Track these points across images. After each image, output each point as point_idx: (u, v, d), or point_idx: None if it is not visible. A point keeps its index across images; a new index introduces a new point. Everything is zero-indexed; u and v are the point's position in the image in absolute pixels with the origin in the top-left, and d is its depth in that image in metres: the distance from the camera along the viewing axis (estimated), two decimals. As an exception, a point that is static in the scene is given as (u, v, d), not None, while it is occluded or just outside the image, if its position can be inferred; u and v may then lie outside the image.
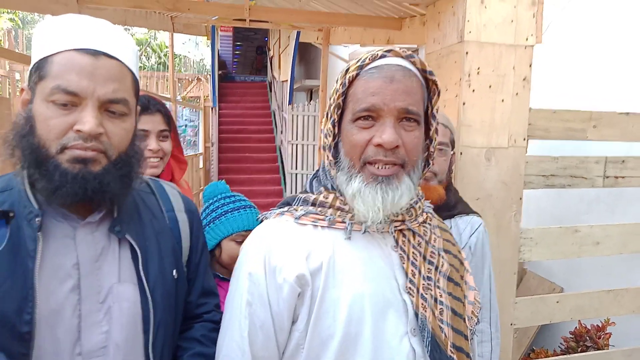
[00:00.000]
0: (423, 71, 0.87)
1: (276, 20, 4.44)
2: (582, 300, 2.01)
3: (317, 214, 0.88)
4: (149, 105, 1.41)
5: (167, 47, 12.96)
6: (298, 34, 6.89)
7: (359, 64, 0.86)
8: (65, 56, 0.77)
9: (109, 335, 0.82)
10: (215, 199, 1.44)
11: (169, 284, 0.90)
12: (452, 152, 1.48)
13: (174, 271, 0.92)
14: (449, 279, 0.92)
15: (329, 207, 0.88)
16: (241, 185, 8.13)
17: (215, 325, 0.97)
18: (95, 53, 0.78)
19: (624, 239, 2.02)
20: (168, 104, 6.79)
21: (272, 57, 11.05)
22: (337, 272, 0.83)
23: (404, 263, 0.87)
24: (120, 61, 0.81)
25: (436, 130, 0.92)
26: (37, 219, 0.78)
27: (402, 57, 0.86)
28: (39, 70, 0.79)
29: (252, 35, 13.90)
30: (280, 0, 5.31)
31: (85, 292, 0.81)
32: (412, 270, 0.86)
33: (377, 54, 0.86)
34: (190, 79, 12.47)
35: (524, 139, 1.84)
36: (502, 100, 1.80)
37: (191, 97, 11.92)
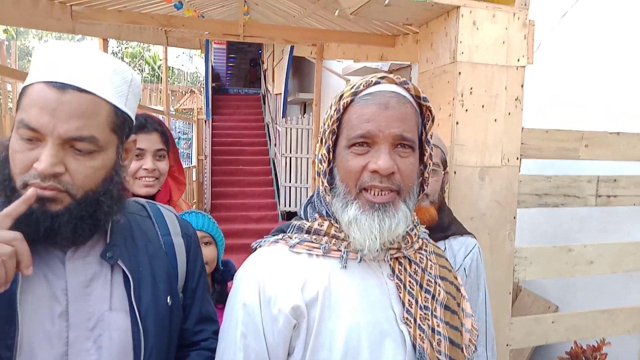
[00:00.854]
0: (417, 97, 0.88)
1: (270, 37, 4.46)
2: (577, 320, 2.01)
3: (311, 242, 0.87)
4: (146, 124, 1.41)
5: (160, 59, 12.98)
6: (292, 48, 6.94)
7: (353, 90, 0.86)
8: (35, 89, 0.75)
9: None
10: None
11: (162, 311, 0.88)
12: (443, 172, 1.48)
13: (168, 298, 0.90)
14: (446, 307, 0.91)
15: (324, 235, 0.87)
16: (235, 198, 8.10)
17: (212, 354, 0.95)
18: (62, 87, 0.74)
19: (617, 257, 2.03)
20: (161, 117, 6.77)
21: (265, 70, 11.10)
22: (332, 302, 0.82)
23: (400, 292, 0.86)
24: (93, 94, 0.77)
25: (430, 156, 0.92)
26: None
27: (396, 83, 0.86)
28: (19, 99, 0.78)
29: (245, 47, 13.99)
30: (275, 15, 5.35)
31: (73, 319, 0.79)
32: (409, 300, 0.85)
33: (372, 81, 0.86)
34: (183, 92, 12.48)
35: (517, 158, 1.85)
36: (495, 120, 1.81)
37: (184, 109, 11.91)
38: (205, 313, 1.03)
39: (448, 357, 0.85)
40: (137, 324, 0.83)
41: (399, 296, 0.85)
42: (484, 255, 1.49)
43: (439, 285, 0.92)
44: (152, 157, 1.41)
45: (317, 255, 0.86)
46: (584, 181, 2.00)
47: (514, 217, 1.86)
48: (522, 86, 1.84)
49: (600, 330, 2.06)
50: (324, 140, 0.88)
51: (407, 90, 0.86)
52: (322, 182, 0.89)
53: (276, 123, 8.75)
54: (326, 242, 0.87)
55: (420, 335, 0.83)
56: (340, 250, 0.86)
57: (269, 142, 9.58)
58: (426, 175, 0.93)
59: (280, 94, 8.26)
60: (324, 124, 0.89)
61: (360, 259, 0.86)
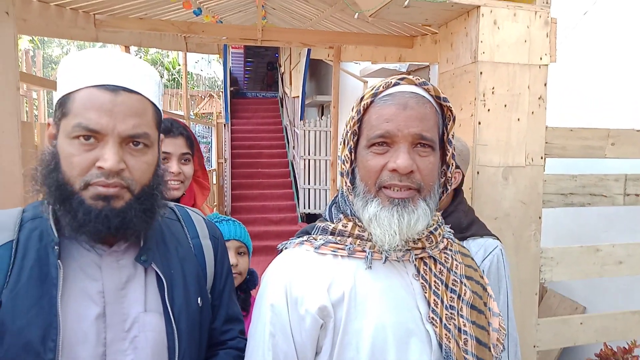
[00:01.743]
0: (437, 98, 0.88)
1: (288, 41, 4.50)
2: (607, 321, 1.96)
3: (336, 243, 0.88)
4: (172, 128, 1.43)
5: (179, 64, 13.19)
6: (309, 51, 6.98)
7: (373, 91, 0.88)
8: (85, 93, 0.79)
9: None
10: None
11: (193, 312, 0.91)
12: (455, 171, 1.45)
13: (199, 299, 0.93)
14: (472, 307, 0.90)
15: (349, 236, 0.88)
16: (254, 201, 8.17)
17: (240, 353, 0.97)
18: (114, 89, 0.79)
19: (647, 257, 1.97)
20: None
21: (283, 73, 11.17)
22: (358, 303, 0.83)
23: (425, 292, 0.86)
24: (140, 94, 0.82)
25: (452, 156, 0.92)
26: (55, 247, 0.80)
27: (415, 84, 0.87)
28: (62, 107, 0.80)
29: (262, 51, 14.11)
30: (292, 19, 5.39)
31: (110, 320, 0.82)
32: (434, 300, 0.85)
33: (391, 82, 0.87)
34: (202, 96, 12.65)
35: (542, 158, 1.82)
36: (518, 119, 1.79)
37: (204, 113, 12.07)
38: (232, 313, 1.05)
39: (475, 357, 0.84)
40: (171, 325, 0.85)
41: (425, 296, 0.85)
42: (508, 256, 1.47)
43: (465, 285, 0.91)
44: (177, 160, 1.44)
45: (342, 256, 0.87)
46: (611, 180, 1.95)
47: (539, 217, 1.83)
48: (545, 85, 1.82)
49: (632, 332, 2.01)
50: (346, 141, 0.90)
51: (427, 90, 0.87)
52: (345, 182, 0.90)
53: (294, 126, 8.80)
54: (350, 243, 0.88)
55: (446, 334, 0.83)
56: (365, 251, 0.87)
57: (287, 144, 9.62)
58: (449, 175, 0.93)
59: (298, 96, 8.30)
60: (346, 126, 0.91)
61: (385, 260, 0.86)
